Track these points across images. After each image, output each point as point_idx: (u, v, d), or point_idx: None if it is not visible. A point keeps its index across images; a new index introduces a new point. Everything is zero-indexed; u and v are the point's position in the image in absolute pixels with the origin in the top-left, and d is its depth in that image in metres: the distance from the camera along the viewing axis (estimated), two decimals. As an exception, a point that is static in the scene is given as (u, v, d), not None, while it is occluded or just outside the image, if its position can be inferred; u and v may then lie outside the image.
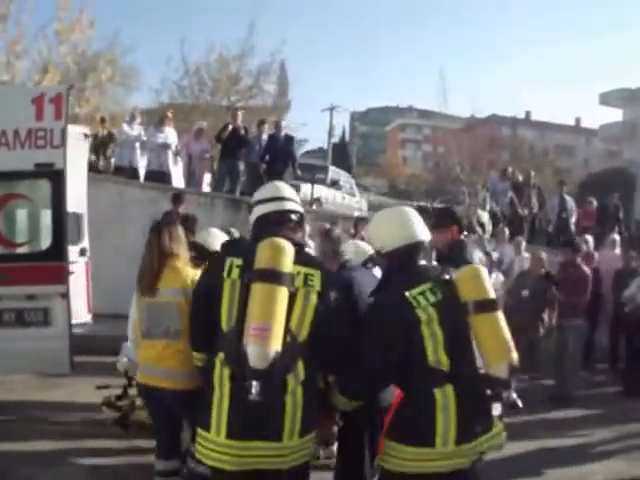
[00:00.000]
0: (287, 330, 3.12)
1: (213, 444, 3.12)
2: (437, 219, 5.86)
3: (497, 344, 3.14)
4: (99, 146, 13.23)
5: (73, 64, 31.84)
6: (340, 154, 52.98)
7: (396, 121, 49.61)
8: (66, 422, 6.46)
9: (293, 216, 3.47)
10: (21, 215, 6.30)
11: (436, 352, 3.11)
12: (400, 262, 3.33)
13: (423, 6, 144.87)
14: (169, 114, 13.69)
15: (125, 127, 13.43)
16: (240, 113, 13.74)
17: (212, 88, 27.20)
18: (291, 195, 3.55)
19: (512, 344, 3.16)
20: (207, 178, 14.47)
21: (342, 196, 17.15)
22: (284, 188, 3.61)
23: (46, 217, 6.16)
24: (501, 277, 10.35)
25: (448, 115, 40.16)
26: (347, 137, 65.57)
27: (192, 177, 13.58)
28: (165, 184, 12.76)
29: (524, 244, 11.45)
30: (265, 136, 13.80)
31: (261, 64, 27.00)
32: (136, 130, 13.33)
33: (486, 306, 3.19)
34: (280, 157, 13.61)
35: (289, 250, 3.17)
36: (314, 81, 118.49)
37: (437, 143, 35.89)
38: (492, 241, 11.68)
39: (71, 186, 7.88)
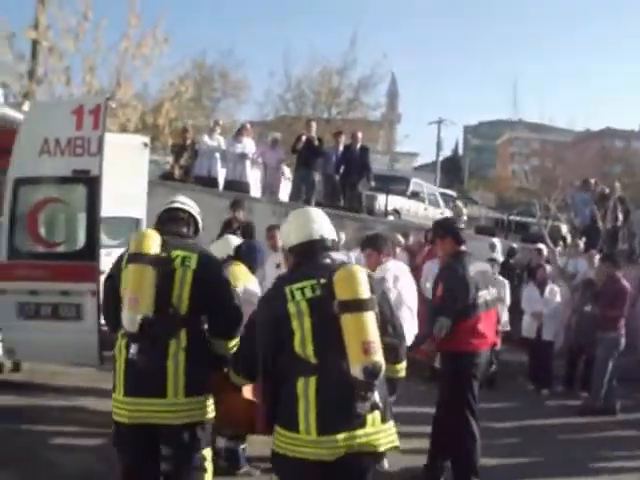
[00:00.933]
0: (169, 303, 3.78)
1: (116, 402, 3.75)
2: (432, 231, 5.96)
3: (354, 345, 3.17)
4: (178, 155, 13.91)
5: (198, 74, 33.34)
6: (452, 168, 52.44)
7: (506, 134, 48.69)
8: (99, 411, 6.88)
9: (181, 214, 4.23)
10: (59, 217, 6.79)
11: (303, 344, 3.30)
12: (298, 258, 3.55)
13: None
14: (248, 125, 14.21)
15: (205, 138, 14.04)
16: (314, 124, 14.02)
17: (313, 101, 27.75)
18: (183, 200, 4.33)
19: (374, 346, 3.16)
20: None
21: (424, 207, 17.08)
22: (180, 196, 4.41)
23: (81, 220, 6.63)
24: (556, 289, 10.15)
25: (559, 128, 39.10)
26: (460, 150, 64.98)
27: (268, 186, 14.02)
28: (242, 193, 13.25)
29: (597, 257, 11.09)
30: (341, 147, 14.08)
31: (362, 77, 27.33)
32: (216, 141, 13.91)
33: (351, 306, 3.22)
34: (355, 168, 13.81)
35: (153, 238, 3.85)
36: (421, 93, 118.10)
37: (545, 156, 34.87)
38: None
39: (130, 192, 8.57)
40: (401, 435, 3.45)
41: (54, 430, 6.44)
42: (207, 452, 3.94)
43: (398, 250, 8.61)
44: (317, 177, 13.86)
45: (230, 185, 13.59)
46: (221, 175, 13.92)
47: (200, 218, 4.32)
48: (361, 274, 3.33)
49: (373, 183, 14.21)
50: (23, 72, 11.36)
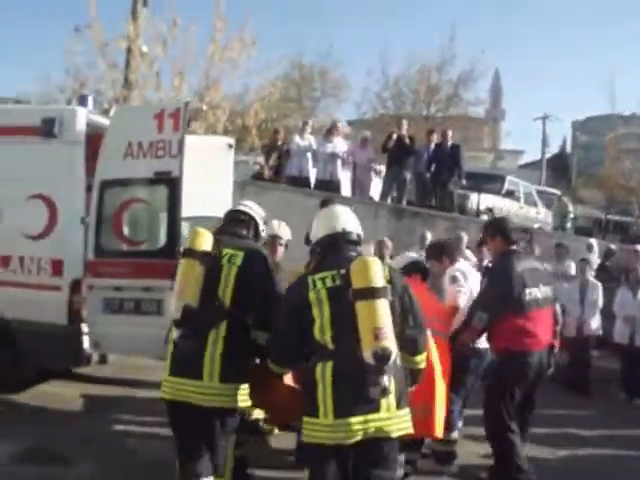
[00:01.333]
0: (215, 296, 4.09)
1: (164, 380, 4.13)
2: (483, 231, 6.00)
3: (365, 331, 3.39)
4: (268, 155, 14.17)
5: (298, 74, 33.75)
6: (559, 165, 50.73)
7: (616, 130, 46.48)
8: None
9: (242, 216, 4.58)
10: (141, 217, 7.05)
11: (322, 331, 3.57)
12: (323, 250, 3.87)
13: None
14: (339, 124, 14.29)
15: (296, 138, 14.24)
16: (404, 122, 13.97)
17: (412, 99, 27.57)
18: (247, 204, 4.72)
19: (384, 332, 3.36)
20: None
21: (519, 206, 16.65)
22: (247, 200, 4.84)
23: (162, 219, 6.87)
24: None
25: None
26: (568, 147, 62.70)
27: (358, 185, 14.06)
28: (333, 192, 13.34)
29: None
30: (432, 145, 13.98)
31: (461, 72, 26.93)
32: (307, 140, 14.08)
33: (364, 294, 3.45)
34: (446, 166, 13.68)
35: (204, 236, 4.17)
36: (521, 89, 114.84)
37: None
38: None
39: (216, 192, 8.81)
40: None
41: (136, 420, 6.81)
42: (232, 438, 4.26)
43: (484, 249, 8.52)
44: (408, 176, 13.81)
45: (321, 184, 13.72)
46: (312, 175, 14.09)
47: (262, 222, 4.65)
48: (375, 264, 3.56)
49: (464, 181, 14.02)
50: (115, 79, 11.87)
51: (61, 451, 5.83)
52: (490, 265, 6.04)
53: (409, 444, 4.87)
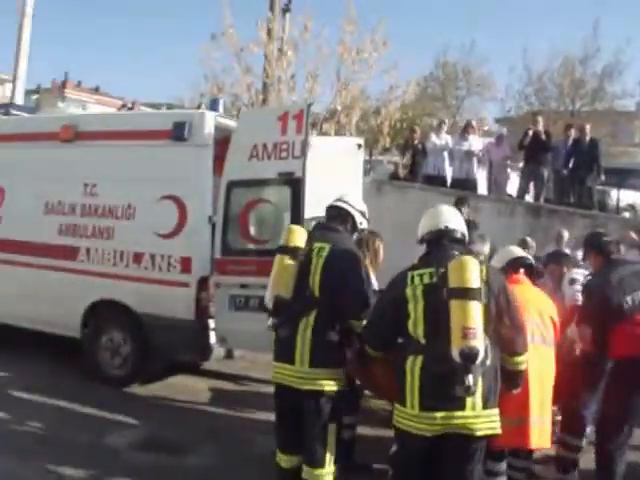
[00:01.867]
0: (306, 287, 4.42)
1: (273, 366, 4.55)
2: (584, 246, 5.97)
3: (456, 329, 3.48)
4: (403, 155, 14.06)
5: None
6: None
7: None
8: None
9: (338, 211, 4.80)
10: (266, 217, 7.16)
11: (415, 325, 3.73)
12: (427, 247, 4.03)
13: None
14: (473, 122, 13.97)
15: (432, 137, 14.05)
16: (540, 118, 13.42)
17: (556, 94, 26.49)
18: (345, 199, 4.91)
19: (473, 332, 3.45)
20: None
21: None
22: (346, 196, 5.00)
23: (286, 219, 6.96)
24: None
25: None
26: None
27: (494, 184, 13.67)
28: (468, 191, 13.06)
29: None
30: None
31: (606, 65, 25.56)
32: (443, 139, 13.87)
33: (457, 293, 3.53)
34: (584, 162, 13.02)
35: (297, 232, 4.59)
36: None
37: None
38: None
39: (345, 192, 8.82)
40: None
41: (256, 413, 6.99)
42: (331, 427, 4.40)
43: (623, 249, 8.02)
44: (545, 173, 13.26)
45: (457, 183, 13.48)
46: (449, 173, 13.87)
47: (359, 216, 4.84)
48: (472, 264, 3.62)
49: (603, 177, 13.27)
50: (250, 83, 12.15)
51: (181, 441, 6.06)
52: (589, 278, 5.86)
53: (516, 453, 4.91)
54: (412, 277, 3.80)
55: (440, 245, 3.92)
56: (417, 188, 13.46)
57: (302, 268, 4.46)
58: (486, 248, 6.27)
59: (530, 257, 5.56)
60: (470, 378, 3.42)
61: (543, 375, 4.85)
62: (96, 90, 47.58)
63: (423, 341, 3.69)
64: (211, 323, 7.19)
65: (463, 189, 12.90)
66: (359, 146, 9.18)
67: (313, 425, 4.36)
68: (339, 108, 12.02)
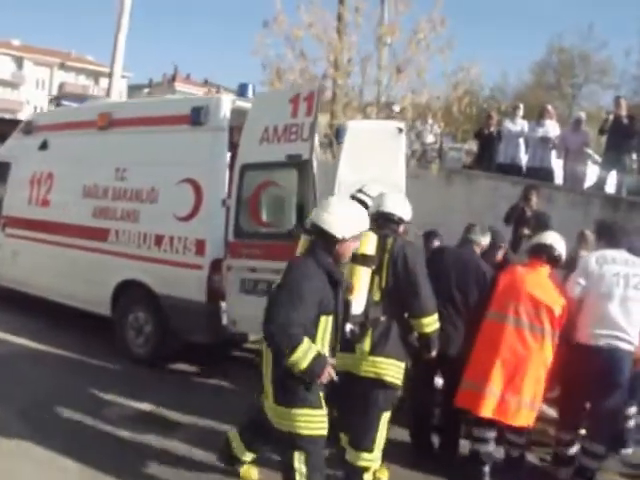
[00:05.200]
0: (379, 287, 4.74)
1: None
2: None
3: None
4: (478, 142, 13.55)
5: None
6: None
7: None
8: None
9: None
10: (275, 200, 7.09)
11: None
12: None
13: None
14: (549, 107, 13.20)
15: (507, 122, 13.47)
16: (622, 101, 12.44)
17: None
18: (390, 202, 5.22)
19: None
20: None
21: None
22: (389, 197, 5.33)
23: (294, 202, 6.87)
24: None
25: None
26: None
27: (570, 173, 12.90)
28: (541, 181, 12.42)
29: None
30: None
31: None
32: (519, 125, 13.26)
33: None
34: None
35: (369, 240, 4.59)
36: None
37: None
38: None
39: (384, 177, 8.62)
40: None
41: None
42: (384, 416, 4.68)
43: None
44: (628, 161, 12.36)
45: (531, 172, 12.84)
46: (524, 161, 13.27)
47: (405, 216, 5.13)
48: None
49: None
50: (303, 69, 11.60)
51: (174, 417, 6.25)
52: None
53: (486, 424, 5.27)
54: None
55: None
56: (485, 177, 12.96)
57: (374, 272, 4.70)
58: (485, 239, 6.07)
59: (558, 248, 5.41)
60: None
61: (518, 357, 5.06)
62: (205, 82, 48.84)
63: None
64: (223, 305, 7.24)
65: (537, 178, 12.30)
66: (400, 130, 8.90)
67: (366, 410, 4.66)
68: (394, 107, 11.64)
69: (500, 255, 6.52)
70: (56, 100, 12.55)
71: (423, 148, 14.12)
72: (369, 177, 7.59)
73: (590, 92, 34.04)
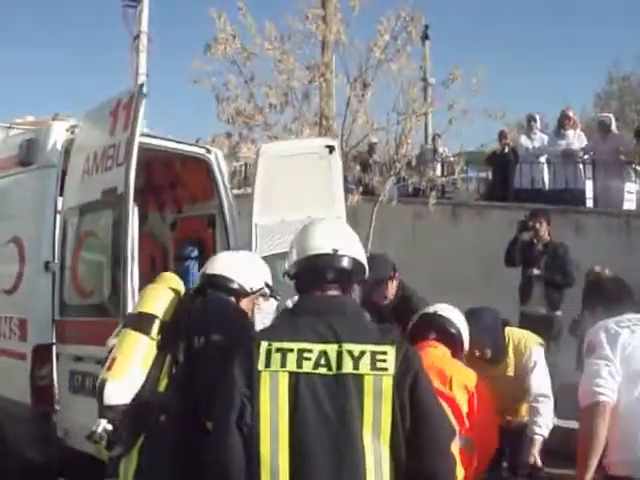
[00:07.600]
0: None
1: None
2: None
3: None
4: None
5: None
6: None
7: None
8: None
9: None
10: (93, 258, 5.02)
11: None
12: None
13: None
14: (570, 113, 10.60)
15: (522, 139, 11.07)
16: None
17: None
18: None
19: None
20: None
21: None
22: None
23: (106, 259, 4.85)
24: None
25: None
26: None
27: (601, 192, 10.25)
28: (565, 205, 9.94)
29: None
30: None
31: None
32: (537, 140, 10.82)
33: None
34: None
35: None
36: None
37: None
38: None
39: (318, 214, 6.43)
40: None
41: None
42: None
43: None
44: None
45: (554, 195, 10.37)
46: (547, 182, 10.83)
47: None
48: None
49: None
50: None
51: None
52: None
53: None
54: None
55: None
56: (502, 208, 10.49)
57: None
58: None
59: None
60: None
61: None
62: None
63: None
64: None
65: (562, 203, 9.89)
66: (330, 149, 6.63)
67: None
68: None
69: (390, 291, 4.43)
70: None
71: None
72: (299, 218, 5.46)
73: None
